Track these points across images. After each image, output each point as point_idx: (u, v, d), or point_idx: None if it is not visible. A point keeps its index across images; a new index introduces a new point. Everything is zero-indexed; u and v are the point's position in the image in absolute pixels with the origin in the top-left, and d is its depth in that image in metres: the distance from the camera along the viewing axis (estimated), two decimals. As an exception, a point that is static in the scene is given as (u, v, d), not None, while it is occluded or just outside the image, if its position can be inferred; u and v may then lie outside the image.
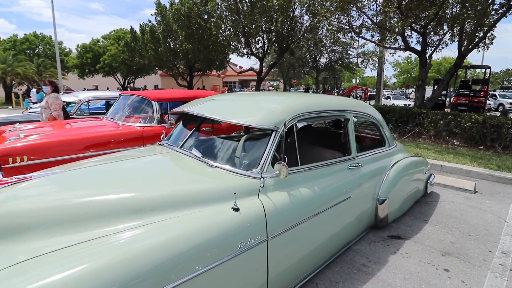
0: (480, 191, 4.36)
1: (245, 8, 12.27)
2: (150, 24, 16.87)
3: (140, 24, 17.59)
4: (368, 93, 25.52)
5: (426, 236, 3.00)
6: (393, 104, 13.84)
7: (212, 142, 2.48)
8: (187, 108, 2.61)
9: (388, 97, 22.50)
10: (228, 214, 1.64)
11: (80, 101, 6.39)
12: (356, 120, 2.81)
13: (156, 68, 20.14)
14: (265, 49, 14.36)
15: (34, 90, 18.07)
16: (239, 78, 43.59)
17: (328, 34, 11.34)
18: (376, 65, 18.32)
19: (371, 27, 9.48)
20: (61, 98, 4.89)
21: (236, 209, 1.68)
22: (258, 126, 2.06)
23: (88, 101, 6.51)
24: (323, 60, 22.85)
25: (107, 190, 1.75)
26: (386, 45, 10.22)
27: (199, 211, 1.62)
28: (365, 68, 20.78)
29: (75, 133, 3.70)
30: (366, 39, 10.31)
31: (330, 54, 21.30)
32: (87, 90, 21.93)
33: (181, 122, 2.84)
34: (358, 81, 56.78)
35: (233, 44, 14.15)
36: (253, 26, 12.82)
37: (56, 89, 4.86)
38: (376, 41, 10.12)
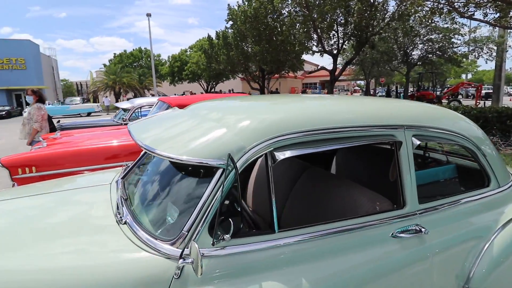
0: None
1: (315, 1, 11.02)
2: (225, 30, 17.33)
3: (216, 31, 18.35)
4: (483, 91, 20.22)
5: None
6: None
7: (148, 179, 1.62)
8: (130, 123, 1.83)
9: None
10: None
11: (133, 107, 6.55)
12: (420, 143, 1.53)
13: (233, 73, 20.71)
14: (340, 44, 12.71)
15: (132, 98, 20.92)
16: (320, 79, 41.71)
17: (420, 18, 9.07)
18: (494, 54, 14.31)
19: (482, 2, 7.04)
20: (45, 109, 4.50)
21: None
22: (189, 160, 1.12)
23: (141, 107, 6.62)
24: (416, 52, 19.11)
25: None
26: (508, 25, 7.52)
27: None
28: (477, 58, 16.46)
29: (83, 144, 3.48)
30: (476, 19, 7.78)
31: (426, 44, 17.53)
32: (177, 95, 24.53)
33: None
34: (471, 76, 46.32)
35: (304, 41, 12.99)
36: (327, 19, 11.43)
37: (40, 99, 4.41)
38: (492, 21, 7.52)
